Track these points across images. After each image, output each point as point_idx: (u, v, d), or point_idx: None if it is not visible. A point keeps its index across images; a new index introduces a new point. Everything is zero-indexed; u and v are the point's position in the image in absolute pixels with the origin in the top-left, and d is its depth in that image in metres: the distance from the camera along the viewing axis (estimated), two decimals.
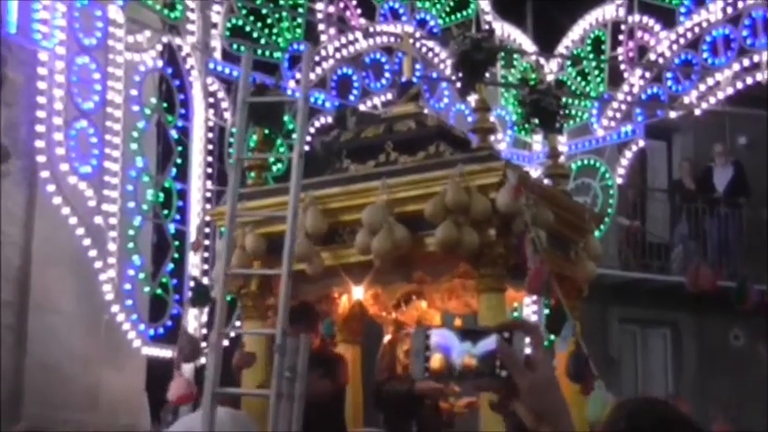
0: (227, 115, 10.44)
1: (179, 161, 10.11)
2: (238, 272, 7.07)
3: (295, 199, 6.24)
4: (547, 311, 7.61)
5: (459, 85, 7.39)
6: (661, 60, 12.24)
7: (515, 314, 9.19)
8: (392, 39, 11.71)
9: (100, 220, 9.22)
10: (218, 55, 10.59)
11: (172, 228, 9.91)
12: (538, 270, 6.41)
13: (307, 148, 10.71)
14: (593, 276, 7.63)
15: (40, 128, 9.10)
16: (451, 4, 12.64)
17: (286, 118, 8.97)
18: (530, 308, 11.21)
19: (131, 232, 9.42)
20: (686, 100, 12.08)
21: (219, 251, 7.36)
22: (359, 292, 7.60)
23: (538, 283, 6.48)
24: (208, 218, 9.37)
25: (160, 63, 10.07)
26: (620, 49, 12.70)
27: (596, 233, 8.08)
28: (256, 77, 10.07)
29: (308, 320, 7.07)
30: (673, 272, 15.90)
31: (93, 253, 9.21)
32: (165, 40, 10.19)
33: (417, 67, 11.26)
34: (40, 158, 9.09)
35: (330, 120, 10.63)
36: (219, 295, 6.23)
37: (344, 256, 7.08)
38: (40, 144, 9.08)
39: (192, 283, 8.73)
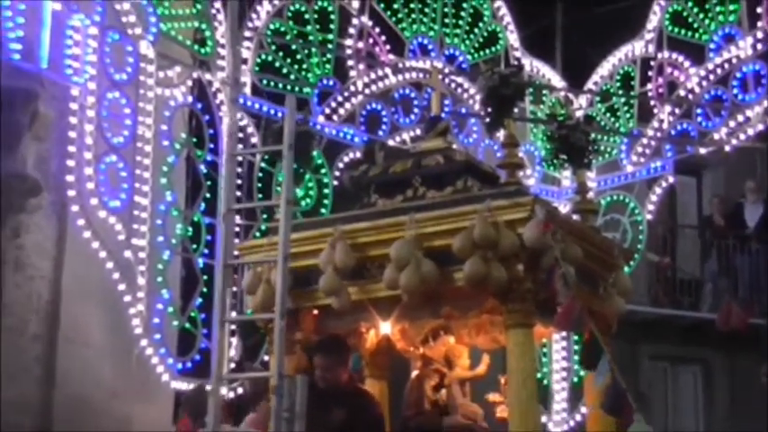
0: None
1: (208, 195, 10.15)
2: (234, 318, 7.51)
3: (285, 244, 6.44)
4: (580, 346, 7.56)
5: (487, 120, 7.37)
6: (691, 96, 12.21)
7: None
8: (421, 74, 11.75)
9: (129, 254, 9.26)
10: (247, 90, 10.65)
11: (200, 262, 9.94)
12: (568, 306, 6.36)
13: (335, 182, 10.85)
14: (622, 312, 7.57)
15: (70, 162, 9.16)
16: (480, 39, 12.68)
17: (315, 153, 8.99)
18: (558, 344, 11.16)
19: (160, 266, 9.45)
20: (716, 136, 12.04)
21: (245, 285, 7.39)
22: (386, 327, 7.57)
23: (568, 318, 6.43)
24: (236, 252, 9.38)
25: (190, 98, 10.15)
26: (649, 85, 12.69)
27: (626, 269, 8.02)
28: (284, 112, 10.16)
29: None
30: (703, 309, 15.77)
31: (122, 287, 9.25)
32: (195, 75, 10.27)
33: (446, 102, 11.29)
34: (71, 193, 9.15)
35: (359, 154, 10.67)
36: (217, 342, 6.40)
37: (372, 290, 7.05)
38: (70, 178, 9.15)
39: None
